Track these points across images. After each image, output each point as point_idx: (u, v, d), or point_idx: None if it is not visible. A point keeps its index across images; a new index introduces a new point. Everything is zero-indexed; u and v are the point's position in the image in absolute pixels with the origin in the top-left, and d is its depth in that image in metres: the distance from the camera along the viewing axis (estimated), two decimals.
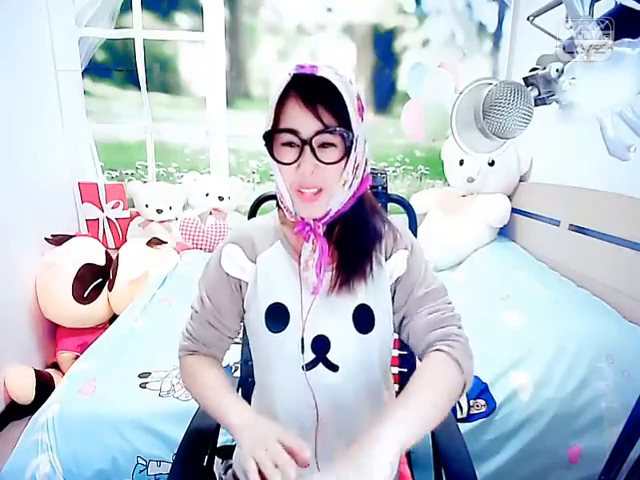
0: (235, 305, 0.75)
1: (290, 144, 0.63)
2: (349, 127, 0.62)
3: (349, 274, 0.69)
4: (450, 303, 0.74)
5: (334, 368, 0.70)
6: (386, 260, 0.73)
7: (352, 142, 0.63)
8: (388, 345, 0.76)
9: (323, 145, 0.63)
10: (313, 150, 0.62)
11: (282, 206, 0.71)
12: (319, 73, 0.59)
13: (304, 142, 0.62)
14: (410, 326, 0.73)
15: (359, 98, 0.65)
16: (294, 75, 0.60)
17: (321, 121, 0.61)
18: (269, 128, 0.64)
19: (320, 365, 0.70)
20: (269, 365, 0.73)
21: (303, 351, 0.70)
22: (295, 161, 0.63)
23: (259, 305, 0.72)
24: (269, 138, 0.64)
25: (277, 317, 0.71)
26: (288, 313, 0.70)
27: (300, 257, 0.70)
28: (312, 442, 0.72)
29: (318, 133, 0.61)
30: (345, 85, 0.61)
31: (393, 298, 0.74)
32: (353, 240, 0.70)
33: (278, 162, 0.65)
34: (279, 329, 0.70)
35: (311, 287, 0.68)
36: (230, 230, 2.45)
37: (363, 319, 0.70)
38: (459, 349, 0.68)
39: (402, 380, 1.06)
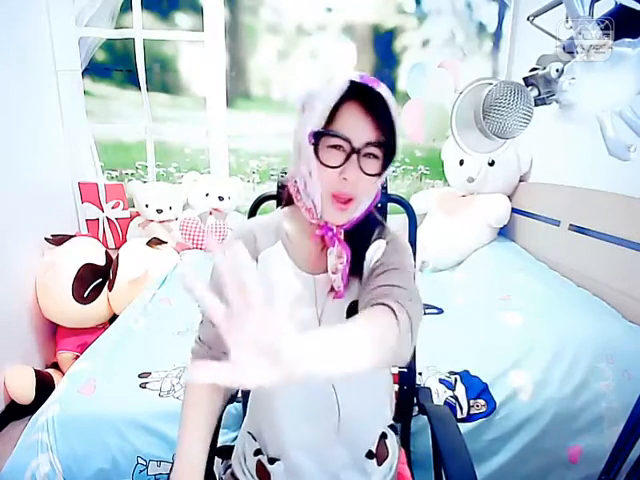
0: None
1: (336, 147, 0.63)
2: (394, 144, 0.65)
3: (350, 275, 0.70)
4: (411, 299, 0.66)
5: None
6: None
7: (392, 159, 0.66)
8: None
9: (367, 155, 0.64)
10: (359, 159, 0.63)
11: (300, 204, 0.70)
12: (380, 89, 0.62)
13: (353, 150, 0.63)
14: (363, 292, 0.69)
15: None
16: (351, 82, 0.61)
17: (375, 132, 0.63)
18: (320, 128, 0.63)
19: None
20: None
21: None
22: (340, 165, 0.63)
23: None
24: (317, 138, 0.64)
25: None
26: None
27: (302, 258, 0.72)
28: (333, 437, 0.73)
29: (369, 144, 0.63)
30: (394, 105, 0.63)
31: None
32: (357, 244, 0.71)
33: (324, 164, 0.64)
34: None
35: (323, 292, 0.70)
36: (232, 229, 2.45)
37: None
38: (404, 315, 0.60)
39: (402, 380, 1.06)
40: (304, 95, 0.67)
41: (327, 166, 0.64)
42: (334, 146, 0.63)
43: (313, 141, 0.64)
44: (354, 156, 0.63)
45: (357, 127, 0.63)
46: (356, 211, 0.68)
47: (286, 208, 0.79)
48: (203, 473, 0.67)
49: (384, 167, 0.66)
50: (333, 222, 0.68)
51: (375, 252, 0.72)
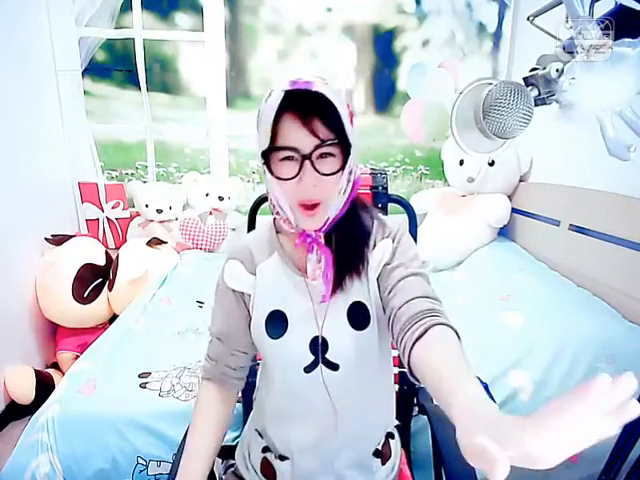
0: (244, 319, 0.76)
1: (289, 158, 0.63)
2: (345, 136, 0.63)
3: (344, 275, 0.70)
4: (434, 294, 0.67)
5: (334, 367, 0.71)
6: (371, 251, 0.72)
7: (349, 151, 0.64)
8: (387, 339, 0.76)
9: (322, 156, 0.63)
10: (313, 164, 0.62)
11: (280, 218, 0.70)
12: (314, 88, 0.59)
13: (304, 157, 0.62)
14: (392, 302, 0.68)
15: (348, 105, 0.65)
16: (285, 91, 0.60)
17: (318, 136, 0.62)
18: (266, 146, 0.63)
19: (320, 365, 0.71)
20: (274, 370, 0.75)
21: (303, 354, 0.71)
22: (296, 175, 0.63)
23: (259, 313, 0.73)
24: (266, 155, 0.64)
25: (276, 324, 0.72)
26: (287, 319, 0.72)
27: (298, 265, 0.73)
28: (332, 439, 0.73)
29: (317, 147, 0.62)
30: (337, 96, 0.62)
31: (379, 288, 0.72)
32: (349, 243, 0.70)
33: (279, 178, 0.64)
34: (278, 335, 0.71)
35: (319, 297, 0.70)
36: (232, 229, 2.45)
37: (358, 316, 0.71)
38: (445, 316, 0.62)
39: (402, 380, 1.06)
40: (256, 116, 0.67)
41: (284, 179, 0.63)
42: (286, 157, 0.63)
43: (263, 161, 0.64)
44: (307, 162, 0.62)
45: (301, 134, 0.61)
46: (327, 211, 0.67)
47: (274, 219, 0.79)
48: None
49: (344, 162, 0.64)
50: (309, 228, 0.68)
51: (384, 254, 0.71)
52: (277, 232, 0.77)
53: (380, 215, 0.76)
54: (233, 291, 0.76)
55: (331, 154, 0.63)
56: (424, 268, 0.71)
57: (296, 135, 0.62)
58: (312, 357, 0.71)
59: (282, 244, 0.76)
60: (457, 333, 0.58)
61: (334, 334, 0.71)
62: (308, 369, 0.71)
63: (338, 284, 0.70)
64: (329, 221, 0.68)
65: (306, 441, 0.74)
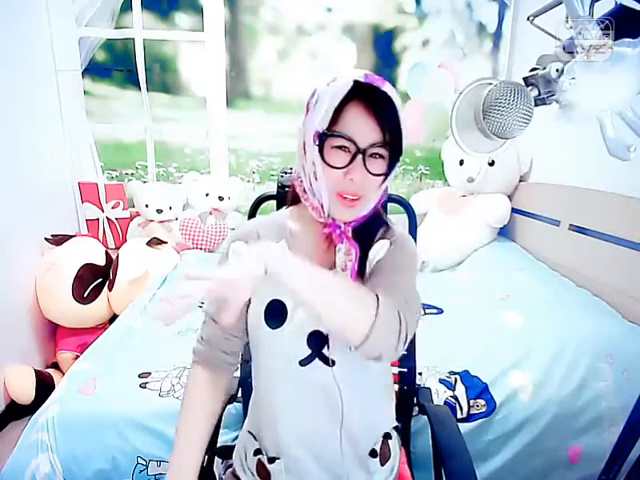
0: None
1: (342, 148, 0.63)
2: (400, 144, 0.65)
3: (363, 270, 0.70)
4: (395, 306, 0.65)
5: (330, 363, 0.71)
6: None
7: (398, 159, 0.66)
8: None
9: (373, 155, 0.64)
10: (364, 160, 0.63)
11: (308, 204, 0.70)
12: (385, 89, 0.62)
13: (359, 151, 0.63)
14: None
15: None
16: (355, 82, 0.61)
17: (380, 133, 0.63)
18: (324, 129, 0.63)
19: (316, 360, 0.71)
20: (268, 365, 0.75)
21: (300, 346, 0.71)
22: (345, 166, 0.63)
23: (259, 300, 0.72)
24: (321, 139, 0.64)
25: (275, 313, 0.71)
26: (286, 309, 0.71)
27: (306, 256, 0.71)
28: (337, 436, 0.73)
29: (373, 145, 0.63)
30: (399, 102, 0.64)
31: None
32: (364, 243, 0.71)
33: (329, 165, 0.64)
34: (277, 325, 0.71)
35: None
36: (232, 229, 2.45)
37: None
38: (388, 308, 0.62)
39: (402, 380, 1.06)
40: (310, 94, 0.66)
41: (332, 167, 0.64)
42: (339, 147, 0.63)
43: (317, 142, 0.64)
44: (359, 157, 0.63)
45: (362, 128, 0.62)
46: (364, 209, 0.68)
47: (291, 207, 0.79)
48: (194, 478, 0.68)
49: (390, 166, 0.66)
50: (341, 219, 0.68)
51: (378, 252, 0.71)
52: (294, 220, 0.76)
53: (390, 221, 0.76)
54: None
55: (381, 156, 0.65)
56: (413, 271, 0.72)
57: (360, 126, 0.62)
58: (309, 351, 0.71)
59: (292, 234, 0.74)
60: (378, 305, 0.61)
61: None
62: (303, 362, 0.71)
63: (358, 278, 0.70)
64: (360, 218, 0.69)
65: (297, 438, 0.74)
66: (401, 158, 0.66)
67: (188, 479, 0.68)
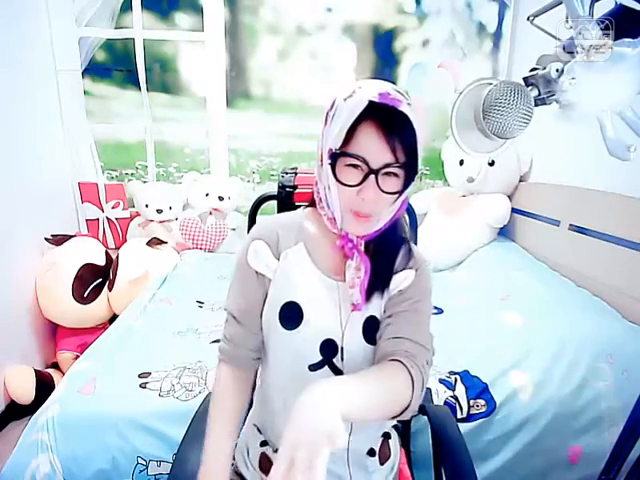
0: (261, 300, 0.75)
1: (354, 166, 0.63)
2: (415, 164, 0.64)
3: (374, 289, 0.70)
4: (423, 336, 0.70)
5: (339, 373, 0.71)
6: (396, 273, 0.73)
7: (413, 177, 0.65)
8: None
9: (387, 174, 0.63)
10: (377, 180, 0.62)
11: (324, 215, 0.71)
12: (401, 108, 0.60)
13: (371, 171, 0.62)
14: (384, 333, 0.71)
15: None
16: (370, 102, 0.60)
17: (394, 154, 0.62)
18: (337, 147, 0.63)
19: (325, 368, 0.71)
20: (278, 363, 0.75)
21: (312, 351, 0.71)
22: (357, 185, 0.63)
23: (274, 300, 0.73)
24: (335, 156, 0.64)
25: (291, 315, 0.71)
26: (302, 313, 0.71)
27: (322, 261, 0.73)
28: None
29: (387, 165, 0.62)
30: (417, 119, 0.62)
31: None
32: (384, 259, 0.71)
33: (341, 183, 0.64)
34: (292, 327, 0.71)
35: (347, 301, 0.70)
36: (232, 229, 2.45)
37: (371, 330, 0.71)
38: (417, 373, 0.65)
39: None
40: (329, 105, 0.66)
41: (345, 185, 0.63)
42: (352, 165, 0.63)
43: (330, 161, 0.64)
44: (372, 176, 0.62)
45: (375, 148, 0.61)
46: (377, 224, 0.68)
47: (309, 209, 0.78)
48: (229, 470, 0.70)
49: (406, 184, 0.65)
50: (354, 233, 0.68)
51: (402, 282, 0.72)
52: (311, 222, 0.76)
53: (411, 243, 0.76)
54: (254, 271, 0.74)
55: (395, 174, 0.64)
56: (429, 309, 0.74)
57: (372, 147, 0.61)
58: (320, 357, 0.71)
59: (311, 236, 0.75)
60: (412, 378, 0.64)
61: (348, 342, 0.71)
62: (313, 368, 0.71)
63: (367, 295, 0.70)
64: (373, 232, 0.69)
65: None
66: (415, 178, 0.65)
67: (225, 467, 0.70)
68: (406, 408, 0.63)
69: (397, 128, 0.61)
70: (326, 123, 0.66)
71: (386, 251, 0.72)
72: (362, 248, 0.69)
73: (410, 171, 0.64)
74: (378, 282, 0.70)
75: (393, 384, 0.63)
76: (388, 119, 0.60)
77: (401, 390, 0.63)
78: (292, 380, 0.73)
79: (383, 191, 0.63)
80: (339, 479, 0.76)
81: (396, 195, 0.65)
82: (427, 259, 0.77)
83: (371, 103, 0.60)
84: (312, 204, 0.77)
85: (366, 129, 0.61)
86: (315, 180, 0.72)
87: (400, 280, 0.72)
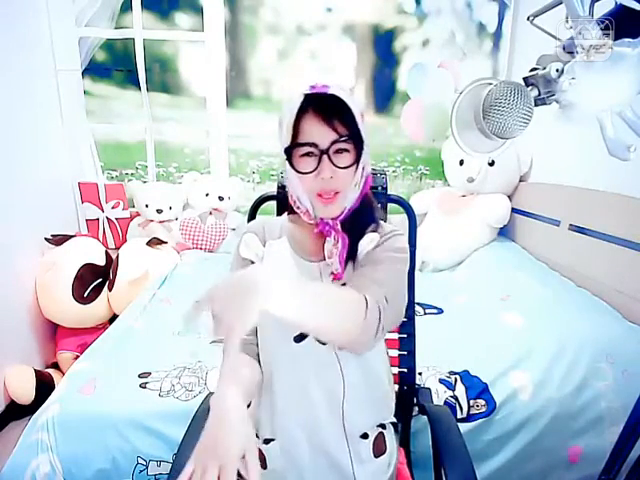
0: None
1: (308, 154, 0.71)
2: (358, 134, 0.71)
3: (348, 258, 0.76)
4: (377, 298, 0.70)
5: (323, 343, 0.75)
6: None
7: (362, 147, 0.72)
8: None
9: (338, 151, 0.71)
10: (330, 158, 0.70)
11: (299, 211, 0.77)
12: (330, 91, 0.68)
13: (322, 152, 0.70)
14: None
15: (362, 115, 0.73)
16: (305, 95, 0.68)
17: (336, 132, 0.70)
18: (288, 144, 0.71)
19: (309, 338, 0.75)
20: (264, 340, 0.80)
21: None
22: (315, 169, 0.71)
23: None
24: (289, 152, 0.72)
25: None
26: None
27: (305, 253, 0.79)
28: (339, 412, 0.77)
29: (334, 142, 0.70)
30: (351, 98, 0.70)
31: None
32: (357, 233, 0.77)
33: (300, 172, 0.71)
34: None
35: (332, 274, 0.75)
36: (232, 229, 2.45)
37: None
38: (373, 302, 0.66)
39: (402, 380, 1.06)
40: (280, 115, 0.75)
41: (304, 173, 0.71)
42: (306, 154, 0.71)
43: (286, 157, 0.72)
44: (324, 157, 0.70)
45: (319, 131, 0.69)
46: (345, 200, 0.74)
47: (290, 215, 0.86)
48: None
49: (358, 156, 0.72)
50: (327, 216, 0.75)
51: (367, 245, 0.77)
52: (292, 222, 0.84)
53: (382, 221, 0.81)
54: (246, 261, 0.81)
55: (346, 150, 0.71)
56: (401, 266, 0.75)
57: (316, 131, 0.70)
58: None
59: (293, 235, 0.82)
60: (366, 301, 0.65)
61: None
62: (298, 339, 0.76)
63: (345, 265, 0.75)
64: (345, 211, 0.75)
65: (293, 419, 0.77)
66: (364, 146, 0.72)
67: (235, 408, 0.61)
68: (354, 339, 0.65)
69: (332, 108, 0.69)
70: (279, 130, 0.75)
71: (358, 226, 0.78)
72: (339, 227, 0.76)
73: (358, 143, 0.71)
74: (351, 252, 0.76)
75: (344, 294, 0.66)
76: (323, 104, 0.69)
77: (353, 305, 0.65)
78: (281, 354, 0.78)
79: (338, 167, 0.70)
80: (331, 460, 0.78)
81: (353, 168, 0.72)
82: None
83: (306, 97, 0.68)
84: (291, 212, 0.84)
85: (308, 119, 0.70)
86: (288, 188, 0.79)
87: (365, 243, 0.77)
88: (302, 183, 0.72)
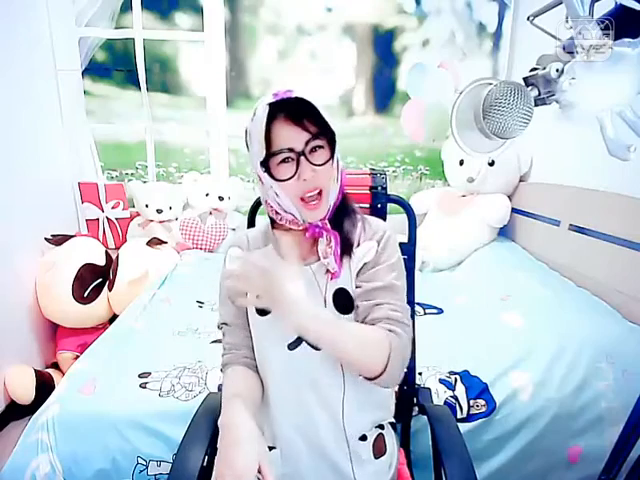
0: None
1: (285, 160, 0.71)
2: (329, 128, 0.72)
3: (342, 256, 0.77)
4: (400, 305, 0.76)
5: (317, 348, 0.75)
6: (357, 246, 0.79)
7: (334, 140, 0.73)
8: None
9: (313, 150, 0.71)
10: (307, 158, 0.70)
11: (283, 221, 0.78)
12: (294, 95, 0.68)
13: (299, 154, 0.70)
14: (357, 312, 0.77)
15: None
16: (269, 104, 0.68)
17: (308, 131, 0.70)
18: (262, 156, 0.71)
19: (303, 344, 0.75)
20: (260, 350, 0.80)
21: (287, 331, 0.75)
22: (295, 173, 0.71)
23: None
24: (265, 164, 0.72)
25: None
26: None
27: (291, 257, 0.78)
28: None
29: (309, 142, 0.70)
30: (310, 96, 0.70)
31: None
32: (343, 227, 0.78)
33: (281, 180, 0.71)
34: (265, 313, 0.77)
35: (330, 274, 0.76)
36: (232, 229, 2.45)
37: (343, 300, 0.77)
38: (396, 341, 0.70)
39: (402, 380, 1.06)
40: (244, 135, 0.76)
41: (286, 180, 0.71)
42: (283, 160, 0.71)
43: (264, 169, 0.72)
44: (302, 158, 0.70)
45: (291, 134, 0.70)
46: (329, 197, 0.75)
47: (272, 227, 0.85)
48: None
49: (332, 150, 0.73)
50: (315, 220, 0.75)
51: (366, 253, 0.77)
52: (275, 229, 0.84)
53: (364, 216, 0.83)
54: None
55: (320, 146, 0.72)
56: (400, 279, 0.78)
57: (289, 136, 0.70)
58: (295, 335, 0.75)
59: (277, 240, 0.81)
60: (391, 342, 0.69)
61: None
62: (292, 346, 0.76)
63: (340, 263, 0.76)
64: (330, 209, 0.76)
65: (292, 426, 0.77)
66: (335, 138, 0.73)
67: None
68: (382, 372, 0.68)
69: (298, 109, 0.69)
70: (249, 150, 0.75)
71: (345, 220, 0.79)
72: (329, 227, 0.77)
73: (330, 137, 0.72)
74: (343, 249, 0.77)
75: (368, 332, 0.70)
76: (288, 108, 0.69)
77: (376, 342, 0.69)
78: (277, 362, 0.78)
79: (317, 164, 0.71)
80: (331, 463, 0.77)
81: (329, 164, 0.72)
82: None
83: (270, 105, 0.68)
84: (273, 225, 0.84)
85: (278, 126, 0.70)
86: (265, 200, 0.79)
87: (363, 252, 0.77)
88: (284, 190, 0.72)
